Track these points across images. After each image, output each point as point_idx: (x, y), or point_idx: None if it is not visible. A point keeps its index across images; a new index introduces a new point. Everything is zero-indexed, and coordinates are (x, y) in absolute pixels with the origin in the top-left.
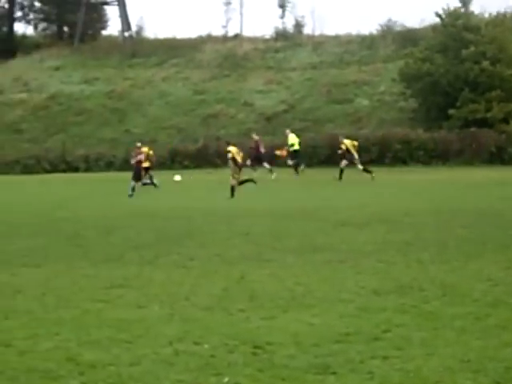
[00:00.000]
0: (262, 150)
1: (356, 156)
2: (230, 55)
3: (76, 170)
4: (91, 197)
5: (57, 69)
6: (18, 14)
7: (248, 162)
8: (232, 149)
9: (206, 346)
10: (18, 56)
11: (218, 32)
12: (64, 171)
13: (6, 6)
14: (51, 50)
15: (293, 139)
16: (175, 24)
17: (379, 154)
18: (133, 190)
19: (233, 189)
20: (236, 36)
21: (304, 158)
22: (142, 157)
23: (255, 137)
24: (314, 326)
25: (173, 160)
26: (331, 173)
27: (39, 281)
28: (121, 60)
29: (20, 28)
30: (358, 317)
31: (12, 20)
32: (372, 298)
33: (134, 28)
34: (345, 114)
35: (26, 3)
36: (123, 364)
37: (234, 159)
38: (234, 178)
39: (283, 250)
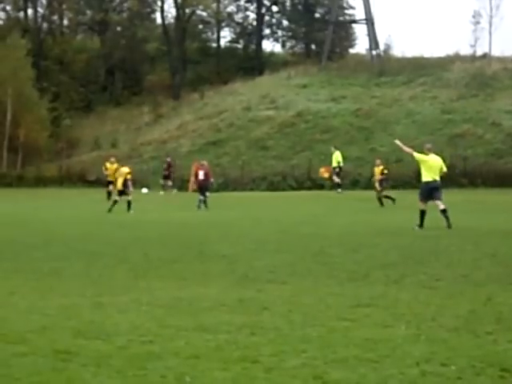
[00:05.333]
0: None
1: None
2: (478, 74)
3: (321, 187)
4: (336, 214)
5: (304, 86)
6: (266, 31)
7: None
8: None
9: (452, 367)
10: (265, 73)
11: (466, 51)
12: (309, 188)
13: (255, 23)
14: (298, 68)
15: (338, 157)
16: (423, 42)
17: None
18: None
19: None
20: (484, 55)
21: None
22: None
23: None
24: None
25: (418, 179)
26: None
27: (285, 297)
28: (368, 78)
29: (268, 46)
30: None
31: (260, 38)
32: None
33: (381, 46)
34: None
35: (274, 21)
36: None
37: None
38: None
39: None
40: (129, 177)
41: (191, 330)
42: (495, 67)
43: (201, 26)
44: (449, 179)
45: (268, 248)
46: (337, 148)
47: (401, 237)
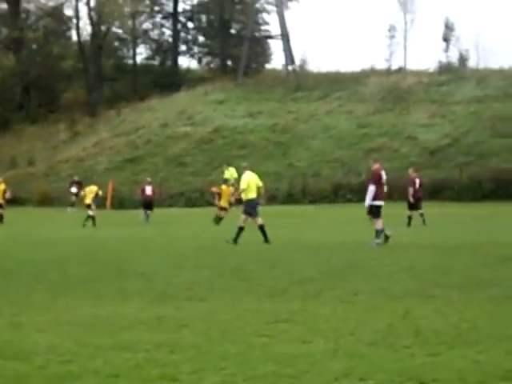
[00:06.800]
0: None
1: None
2: (393, 89)
3: (239, 202)
4: (254, 230)
5: (221, 102)
6: (182, 48)
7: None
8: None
9: (371, 382)
10: (182, 89)
11: (381, 65)
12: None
13: (171, 40)
14: (215, 84)
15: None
16: (338, 57)
17: None
18: None
19: None
20: (400, 69)
21: (469, 192)
22: None
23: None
24: (480, 363)
25: (336, 193)
26: (495, 207)
27: (204, 314)
28: (284, 93)
29: (184, 62)
30: None
31: (176, 54)
32: None
33: (297, 62)
34: (510, 149)
35: (190, 37)
36: None
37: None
38: None
39: (447, 286)
40: (100, 193)
41: (110, 349)
42: (410, 81)
43: (117, 43)
44: (366, 192)
45: (187, 264)
46: (229, 164)
47: (318, 252)
